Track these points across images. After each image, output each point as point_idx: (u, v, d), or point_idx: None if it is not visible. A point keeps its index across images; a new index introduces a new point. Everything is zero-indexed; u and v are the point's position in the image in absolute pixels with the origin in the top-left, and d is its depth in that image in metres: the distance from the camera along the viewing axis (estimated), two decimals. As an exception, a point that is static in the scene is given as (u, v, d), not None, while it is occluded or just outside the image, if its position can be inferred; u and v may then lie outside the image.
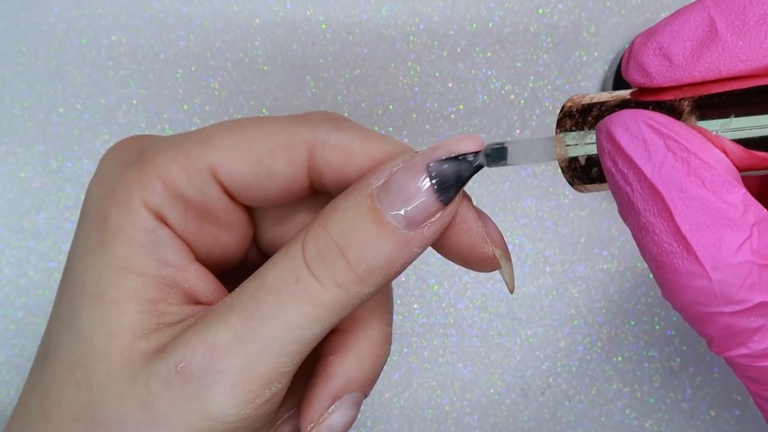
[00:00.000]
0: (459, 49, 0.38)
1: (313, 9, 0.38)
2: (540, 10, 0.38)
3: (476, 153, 0.20)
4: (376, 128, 0.38)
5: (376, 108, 0.38)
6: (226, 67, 0.38)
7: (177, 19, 0.37)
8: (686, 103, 0.18)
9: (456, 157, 0.19)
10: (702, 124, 0.17)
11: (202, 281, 0.21)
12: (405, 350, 0.38)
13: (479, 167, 0.20)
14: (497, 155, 0.20)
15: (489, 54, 0.38)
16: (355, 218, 0.19)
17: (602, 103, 0.19)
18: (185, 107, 0.38)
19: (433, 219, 0.19)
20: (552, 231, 0.39)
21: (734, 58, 0.17)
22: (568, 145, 0.19)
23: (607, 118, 0.18)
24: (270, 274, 0.19)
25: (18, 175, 0.37)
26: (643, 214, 0.17)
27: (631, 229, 0.18)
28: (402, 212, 0.19)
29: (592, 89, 0.39)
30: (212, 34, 0.38)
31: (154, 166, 0.20)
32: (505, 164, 0.20)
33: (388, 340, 0.23)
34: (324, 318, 0.19)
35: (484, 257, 0.21)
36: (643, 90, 0.19)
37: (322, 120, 0.21)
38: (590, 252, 0.39)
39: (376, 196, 0.19)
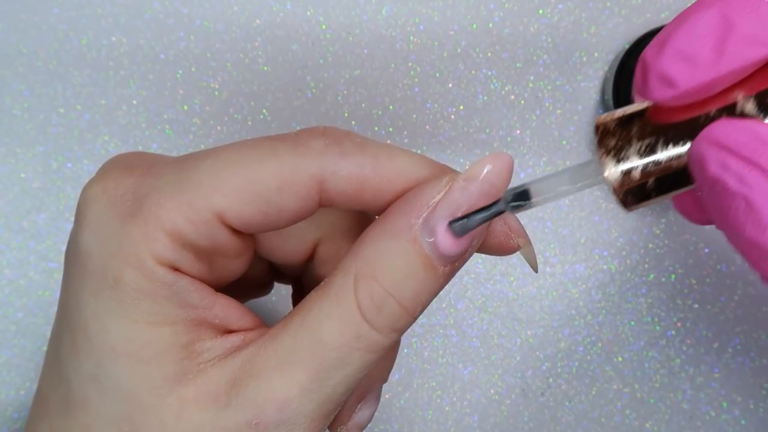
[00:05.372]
0: (459, 50, 0.38)
1: (314, 10, 0.38)
2: (540, 11, 0.38)
3: (496, 201, 0.20)
4: (375, 128, 0.38)
5: (376, 108, 0.38)
6: (226, 67, 0.38)
7: (177, 19, 0.37)
8: (748, 104, 0.18)
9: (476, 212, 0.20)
10: None
11: (230, 311, 0.21)
12: (405, 351, 0.38)
13: (499, 213, 0.20)
14: (519, 199, 0.20)
15: (489, 54, 0.38)
16: (406, 266, 0.20)
17: (639, 112, 0.19)
18: (185, 108, 0.38)
19: (466, 255, 0.21)
20: (552, 231, 0.39)
21: (757, 43, 0.17)
22: (623, 168, 0.19)
23: (706, 129, 0.18)
24: (326, 330, 0.20)
25: (18, 175, 0.37)
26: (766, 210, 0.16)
27: (741, 236, 0.17)
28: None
29: (592, 89, 0.39)
30: (212, 35, 0.38)
31: (158, 220, 0.19)
32: (531, 206, 0.20)
33: None
34: (382, 354, 0.21)
35: (508, 250, 0.22)
36: (660, 109, 0.19)
37: (325, 147, 0.20)
38: (590, 252, 0.39)
39: (422, 240, 0.20)
